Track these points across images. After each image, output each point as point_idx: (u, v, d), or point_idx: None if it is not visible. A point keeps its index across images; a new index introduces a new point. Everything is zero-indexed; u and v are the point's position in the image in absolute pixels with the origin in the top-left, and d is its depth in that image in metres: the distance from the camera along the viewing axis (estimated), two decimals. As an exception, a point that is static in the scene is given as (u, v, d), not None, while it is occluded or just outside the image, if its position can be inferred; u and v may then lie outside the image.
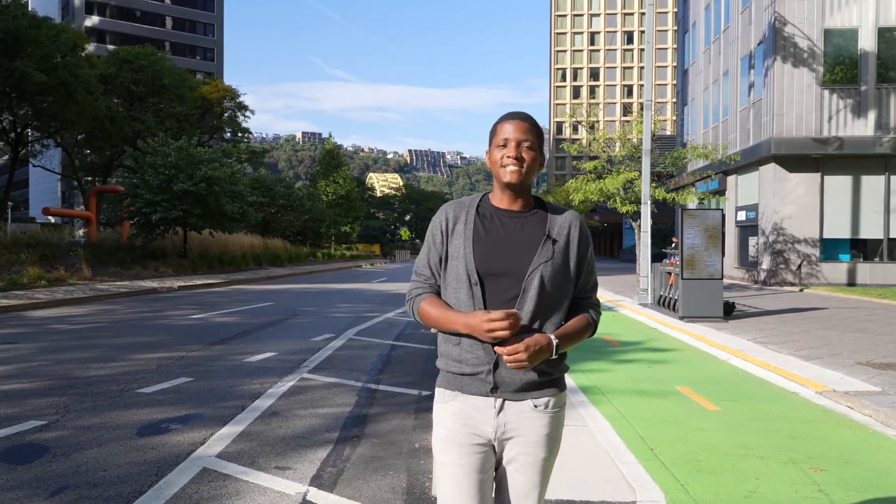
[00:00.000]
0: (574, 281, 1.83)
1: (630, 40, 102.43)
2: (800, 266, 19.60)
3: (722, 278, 11.15)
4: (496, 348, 1.68)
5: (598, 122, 20.05)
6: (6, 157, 31.65)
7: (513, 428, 1.77)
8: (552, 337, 1.72)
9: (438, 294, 1.85)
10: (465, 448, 1.77)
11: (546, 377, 1.79)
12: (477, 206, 1.85)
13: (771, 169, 19.97)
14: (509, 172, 1.77)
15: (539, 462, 1.79)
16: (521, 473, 1.80)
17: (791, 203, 19.73)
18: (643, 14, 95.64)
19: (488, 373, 1.74)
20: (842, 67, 19.62)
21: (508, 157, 1.77)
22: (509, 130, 1.79)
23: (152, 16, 69.44)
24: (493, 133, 1.83)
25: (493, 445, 1.80)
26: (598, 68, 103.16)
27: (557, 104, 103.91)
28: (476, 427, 1.77)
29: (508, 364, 1.67)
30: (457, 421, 1.78)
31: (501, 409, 1.76)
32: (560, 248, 1.79)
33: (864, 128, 19.44)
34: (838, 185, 19.73)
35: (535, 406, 1.78)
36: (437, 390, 1.85)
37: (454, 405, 1.79)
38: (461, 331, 1.73)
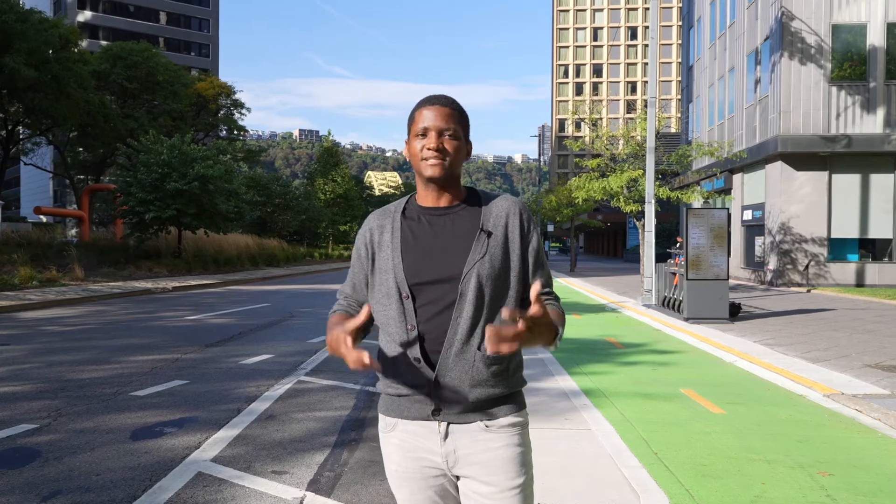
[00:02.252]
0: (520, 277, 1.59)
1: (633, 36, 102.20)
2: (807, 266, 19.44)
3: (728, 279, 11.04)
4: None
5: (601, 119, 19.88)
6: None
7: (464, 455, 1.55)
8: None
9: (357, 310, 1.70)
10: (417, 483, 1.59)
11: (499, 391, 1.55)
12: (403, 209, 1.65)
13: (777, 167, 19.81)
14: (430, 166, 1.55)
15: (501, 493, 1.53)
16: None
17: (798, 202, 19.57)
18: (647, 9, 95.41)
19: (428, 392, 1.54)
20: (850, 63, 19.44)
21: (429, 149, 1.55)
22: (428, 118, 1.56)
23: (146, 11, 68.86)
24: (411, 121, 1.59)
25: (448, 474, 1.59)
26: (602, 64, 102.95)
27: (560, 101, 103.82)
28: (424, 458, 1.58)
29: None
30: (403, 454, 1.60)
31: (447, 434, 1.55)
32: (498, 240, 1.57)
33: (872, 125, 19.27)
34: (846, 183, 19.56)
35: (488, 426, 1.55)
36: (379, 416, 1.67)
37: (396, 435, 1.61)
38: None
